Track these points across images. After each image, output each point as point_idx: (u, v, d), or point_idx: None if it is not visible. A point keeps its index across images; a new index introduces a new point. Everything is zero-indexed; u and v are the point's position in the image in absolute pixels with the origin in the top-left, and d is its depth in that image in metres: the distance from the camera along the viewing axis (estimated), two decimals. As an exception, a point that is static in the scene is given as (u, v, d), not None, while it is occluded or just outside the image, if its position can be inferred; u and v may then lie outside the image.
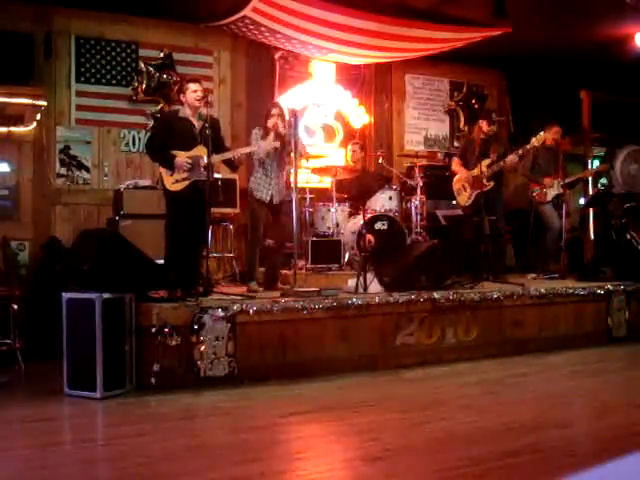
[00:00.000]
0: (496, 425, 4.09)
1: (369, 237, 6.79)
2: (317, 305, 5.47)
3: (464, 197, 7.37)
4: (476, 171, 7.20)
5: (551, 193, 7.81)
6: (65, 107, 7.48)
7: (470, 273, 6.90)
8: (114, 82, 7.70)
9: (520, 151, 7.24)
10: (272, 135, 6.15)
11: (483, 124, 7.35)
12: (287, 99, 8.47)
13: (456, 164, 7.55)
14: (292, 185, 6.16)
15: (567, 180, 7.81)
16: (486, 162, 7.20)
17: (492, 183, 7.20)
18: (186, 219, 5.64)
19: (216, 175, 6.63)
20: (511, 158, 7.13)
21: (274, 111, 6.29)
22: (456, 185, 7.45)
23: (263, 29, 7.51)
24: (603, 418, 4.34)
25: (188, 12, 7.55)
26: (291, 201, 6.09)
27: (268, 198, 6.29)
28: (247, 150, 6.16)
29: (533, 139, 7.22)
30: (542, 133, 7.18)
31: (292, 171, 6.12)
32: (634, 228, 7.85)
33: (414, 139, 9.64)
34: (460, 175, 7.42)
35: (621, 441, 3.73)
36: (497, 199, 7.33)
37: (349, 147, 8.31)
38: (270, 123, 6.18)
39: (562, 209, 7.73)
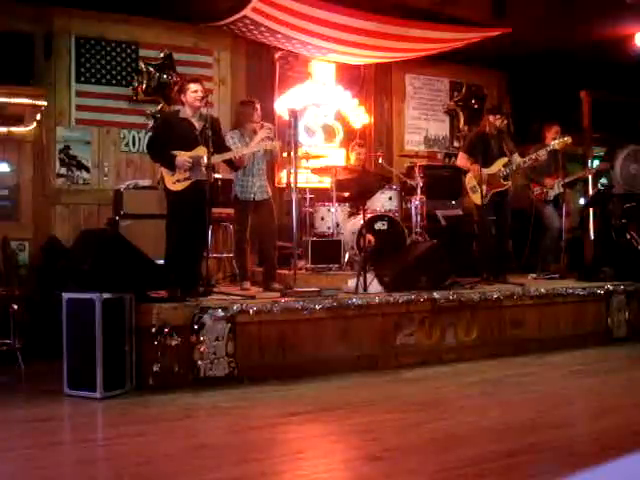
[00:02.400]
0: (496, 425, 4.10)
1: (369, 237, 6.78)
2: (317, 305, 5.48)
3: (479, 195, 7.04)
4: (494, 169, 7.08)
5: (552, 193, 7.80)
6: (65, 107, 7.47)
7: (486, 272, 6.90)
8: (114, 82, 7.70)
9: (542, 152, 7.21)
10: (261, 135, 6.21)
11: (496, 119, 7.22)
12: (287, 99, 8.47)
13: (465, 160, 7.27)
14: (292, 185, 6.16)
15: (567, 180, 7.81)
16: (503, 160, 7.14)
17: (509, 183, 7.17)
18: (187, 219, 5.64)
19: (216, 175, 6.64)
20: (539, 154, 7.18)
21: (257, 108, 6.43)
22: (470, 183, 7.20)
23: (263, 29, 7.51)
24: (603, 418, 4.34)
25: (188, 12, 7.55)
26: (291, 201, 6.09)
27: (252, 197, 6.36)
28: (248, 150, 6.16)
29: (554, 142, 7.23)
30: (567, 138, 7.20)
31: (292, 171, 6.12)
32: (634, 228, 7.85)
33: (414, 139, 9.64)
34: (474, 172, 7.09)
35: (621, 441, 3.73)
36: (506, 199, 7.26)
37: (355, 149, 8.28)
38: (256, 122, 6.29)
39: (562, 209, 7.73)
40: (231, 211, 7.49)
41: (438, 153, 9.67)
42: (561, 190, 7.76)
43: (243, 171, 6.33)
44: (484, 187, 6.99)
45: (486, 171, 7.03)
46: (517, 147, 7.43)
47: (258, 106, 6.50)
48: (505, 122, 7.30)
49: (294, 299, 5.54)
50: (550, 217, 7.84)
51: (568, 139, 7.27)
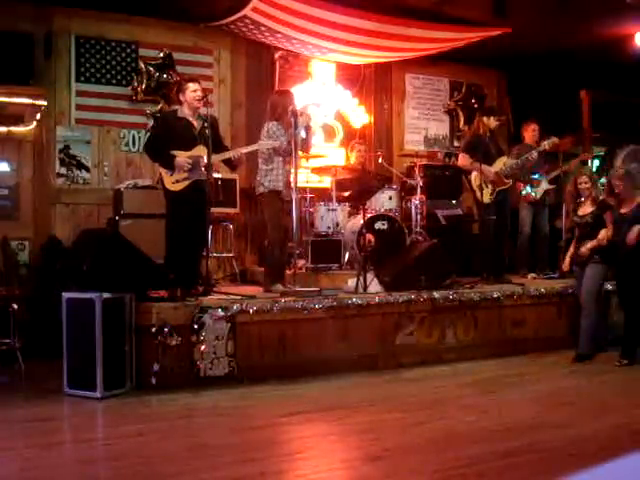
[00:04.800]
0: (496, 425, 4.10)
1: (369, 237, 6.78)
2: (317, 305, 5.48)
3: (487, 194, 7.01)
4: (497, 167, 7.06)
5: (540, 190, 7.76)
6: (65, 107, 7.47)
7: (486, 272, 6.88)
8: (114, 82, 7.69)
9: (535, 152, 7.20)
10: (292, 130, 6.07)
11: (490, 120, 7.21)
12: (287, 99, 8.46)
13: (466, 159, 7.20)
14: (292, 185, 6.15)
15: (552, 175, 7.80)
16: (503, 159, 7.14)
17: (510, 181, 7.16)
18: (186, 219, 5.63)
19: (216, 175, 6.63)
20: (532, 157, 7.18)
21: (293, 98, 6.28)
22: (476, 182, 7.12)
23: (263, 29, 7.51)
24: (603, 418, 4.34)
25: (188, 12, 7.54)
26: (291, 201, 6.08)
27: (283, 191, 6.20)
28: (248, 150, 6.15)
29: (544, 143, 7.20)
30: (555, 139, 7.18)
31: (292, 171, 6.11)
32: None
33: (414, 139, 9.63)
34: (479, 171, 7.01)
35: (621, 441, 3.73)
36: (506, 198, 7.25)
37: (355, 147, 8.28)
38: (304, 120, 6.15)
39: (546, 210, 7.78)
40: (231, 211, 7.52)
41: (438, 153, 9.65)
42: (549, 186, 7.75)
43: (276, 163, 6.10)
44: (490, 186, 7.00)
45: (492, 169, 7.03)
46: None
47: (293, 97, 6.33)
48: (497, 124, 7.30)
49: (294, 299, 5.54)
50: (522, 220, 7.81)
51: (556, 139, 7.27)
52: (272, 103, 6.27)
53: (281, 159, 6.10)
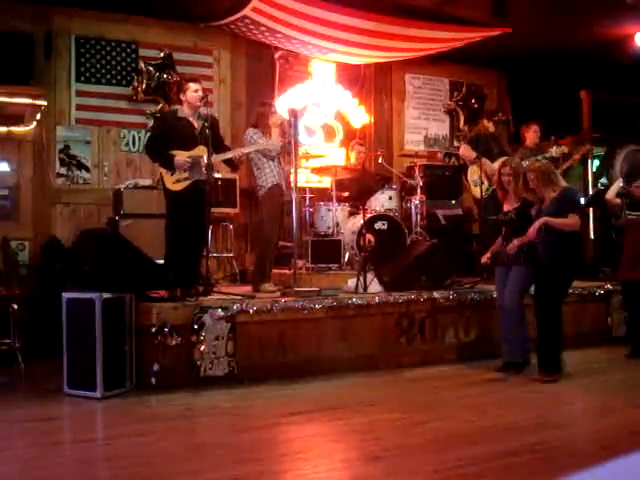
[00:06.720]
0: (496, 425, 4.10)
1: (369, 237, 6.78)
2: (317, 305, 5.48)
3: (483, 189, 6.98)
4: (496, 165, 7.06)
5: None
6: (65, 107, 7.47)
7: (486, 272, 6.83)
8: (114, 82, 7.69)
9: (540, 157, 7.17)
10: (277, 133, 6.16)
11: (490, 124, 7.20)
12: (287, 99, 8.46)
13: (469, 151, 7.16)
14: (292, 185, 6.16)
15: None
16: (504, 159, 7.14)
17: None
18: (186, 219, 5.63)
19: (216, 175, 6.64)
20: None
21: (274, 110, 6.41)
22: (473, 176, 7.14)
23: (263, 29, 7.51)
24: (603, 418, 4.34)
25: (188, 12, 7.55)
26: (291, 201, 6.08)
27: (283, 185, 6.25)
28: (248, 150, 6.16)
29: (552, 150, 7.11)
30: (563, 147, 7.12)
31: (292, 171, 6.12)
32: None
33: (414, 139, 9.64)
34: (477, 167, 7.02)
35: (621, 441, 3.73)
36: None
37: (355, 147, 8.28)
38: (274, 121, 6.21)
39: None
40: (231, 211, 7.52)
41: (438, 153, 9.66)
42: None
43: (273, 164, 6.19)
44: (485, 183, 6.98)
45: (493, 165, 7.01)
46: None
47: (274, 109, 6.49)
48: (494, 128, 7.29)
49: (294, 299, 5.54)
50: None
51: (565, 148, 7.22)
52: (254, 112, 6.57)
53: (270, 159, 6.17)
